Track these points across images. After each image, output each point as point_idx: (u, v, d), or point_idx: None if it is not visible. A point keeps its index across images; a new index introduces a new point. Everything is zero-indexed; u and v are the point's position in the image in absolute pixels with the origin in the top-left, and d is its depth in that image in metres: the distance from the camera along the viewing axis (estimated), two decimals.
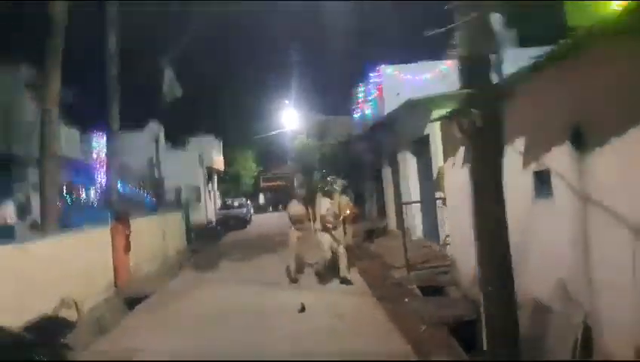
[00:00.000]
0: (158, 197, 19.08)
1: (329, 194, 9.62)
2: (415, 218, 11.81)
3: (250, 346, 5.90)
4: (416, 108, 10.63)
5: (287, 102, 33.05)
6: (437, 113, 8.77)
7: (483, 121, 3.30)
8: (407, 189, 12.43)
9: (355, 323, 6.54)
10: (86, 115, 16.45)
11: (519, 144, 5.65)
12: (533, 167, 5.36)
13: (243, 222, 23.24)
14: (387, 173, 15.15)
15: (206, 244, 17.09)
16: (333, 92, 29.53)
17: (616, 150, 3.89)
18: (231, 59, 23.92)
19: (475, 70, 3.36)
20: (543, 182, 5.23)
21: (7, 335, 4.12)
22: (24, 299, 5.16)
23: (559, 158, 4.77)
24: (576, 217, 4.54)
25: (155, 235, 12.97)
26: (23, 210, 10.58)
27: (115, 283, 9.67)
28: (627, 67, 3.70)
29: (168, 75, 16.03)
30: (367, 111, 17.29)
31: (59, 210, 9.06)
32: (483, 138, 3.38)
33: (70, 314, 6.42)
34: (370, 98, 16.76)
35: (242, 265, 12.33)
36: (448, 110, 6.87)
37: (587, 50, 4.05)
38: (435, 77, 14.12)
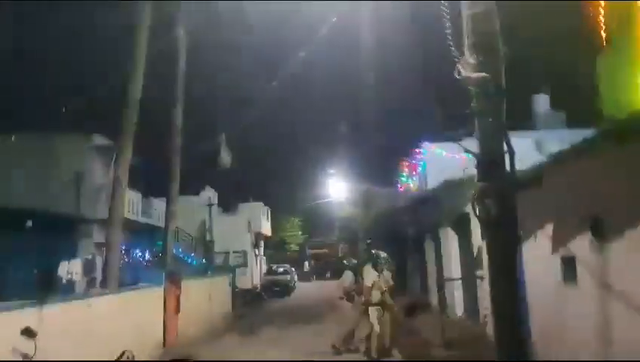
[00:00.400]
0: (208, 260, 19.88)
1: (375, 267, 9.49)
2: (455, 295, 11.86)
3: None
4: (456, 187, 11.04)
5: (332, 171, 34.02)
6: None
7: (497, 211, 3.76)
8: (448, 265, 12.55)
9: None
10: (148, 180, 17.84)
11: (547, 228, 5.97)
12: (560, 251, 5.64)
13: (287, 288, 23.37)
14: (429, 247, 15.32)
15: (250, 310, 17.46)
16: (378, 163, 30.17)
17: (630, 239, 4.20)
18: (282, 131, 25.36)
19: (490, 164, 3.87)
20: (568, 266, 5.49)
21: None
22: (88, 348, 5.73)
23: (579, 245, 5.07)
24: (587, 300, 4.77)
25: (202, 298, 13.57)
26: (89, 268, 11.52)
27: (164, 342, 10.21)
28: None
29: (223, 145, 17.25)
30: (411, 185, 17.77)
31: (119, 269, 9.87)
32: (497, 226, 3.81)
33: None
34: (413, 173, 17.29)
35: (282, 334, 12.44)
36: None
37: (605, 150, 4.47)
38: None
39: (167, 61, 13.79)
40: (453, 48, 4.10)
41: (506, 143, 3.88)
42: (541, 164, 5.77)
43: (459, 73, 3.95)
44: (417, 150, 17.28)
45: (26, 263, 12.49)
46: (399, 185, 20.12)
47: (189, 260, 19.95)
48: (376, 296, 9.05)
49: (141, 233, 18.63)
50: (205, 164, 20.24)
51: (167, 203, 13.30)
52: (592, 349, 4.89)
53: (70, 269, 10.81)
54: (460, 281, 11.84)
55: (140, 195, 18.37)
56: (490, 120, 3.86)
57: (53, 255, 13.74)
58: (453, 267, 12.25)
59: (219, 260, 21.51)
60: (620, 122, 4.75)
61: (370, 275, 9.43)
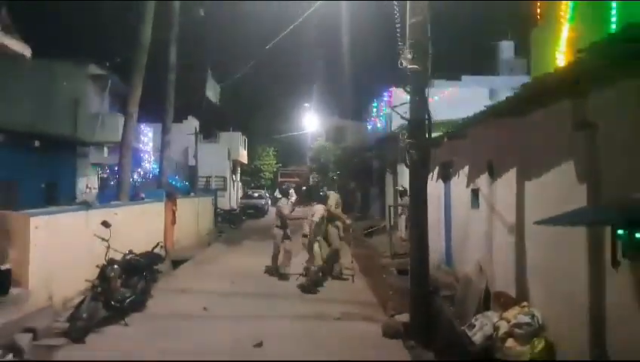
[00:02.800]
0: (192, 184, 21.89)
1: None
2: (403, 218, 14.31)
3: (261, 291, 8.68)
4: None
5: (307, 105, 35.76)
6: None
7: (417, 158, 5.89)
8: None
9: (343, 287, 9.21)
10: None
11: (465, 169, 8.21)
12: (471, 185, 7.91)
13: (261, 211, 26.03)
14: (389, 180, 17.71)
15: (229, 228, 19.87)
16: (352, 98, 31.92)
17: (507, 179, 6.43)
18: (259, 64, 26.44)
19: (415, 126, 5.95)
20: (475, 196, 7.79)
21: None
22: (121, 243, 7.68)
23: (482, 181, 7.32)
24: (488, 219, 7.09)
25: (191, 215, 15.74)
26: (104, 184, 13.32)
27: (165, 247, 12.44)
28: (515, 130, 6.22)
29: (210, 79, 18.67)
30: (379, 125, 19.85)
31: (129, 185, 11.82)
32: (415, 169, 5.97)
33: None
34: (381, 114, 19.31)
35: (256, 245, 14.93)
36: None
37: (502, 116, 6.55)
38: (443, 98, 16.55)
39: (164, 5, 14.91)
40: (400, 44, 6.06)
41: (427, 114, 5.97)
42: (465, 121, 7.88)
43: (401, 63, 5.92)
44: (386, 93, 19.20)
45: (35, 178, 14.17)
46: (368, 124, 22.15)
47: (174, 182, 21.90)
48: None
49: (134, 157, 20.37)
50: (191, 96, 21.69)
51: (163, 133, 15.01)
52: (483, 246, 7.28)
53: (90, 184, 12.65)
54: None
55: None
56: (417, 98, 5.90)
57: (56, 172, 15.50)
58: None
59: (200, 184, 23.54)
60: (521, 92, 6.81)
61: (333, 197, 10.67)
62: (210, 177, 24.47)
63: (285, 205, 10.44)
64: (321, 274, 9.49)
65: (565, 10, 8.68)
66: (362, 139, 25.10)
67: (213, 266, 11.50)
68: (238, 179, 30.91)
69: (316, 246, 9.44)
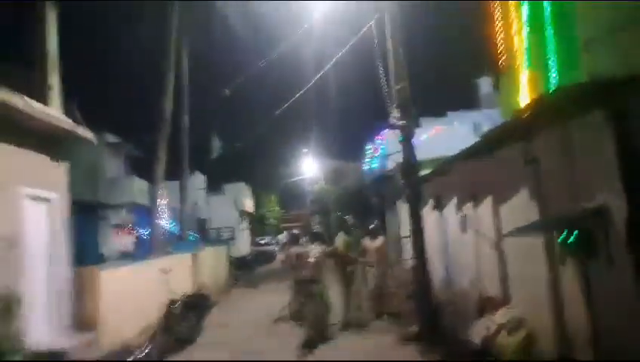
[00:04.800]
0: (202, 235, 23.21)
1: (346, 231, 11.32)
2: (407, 248, 15.59)
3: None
4: None
5: (306, 150, 37.50)
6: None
7: (411, 196, 7.35)
8: (403, 227, 16.32)
9: None
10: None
11: (454, 199, 9.65)
12: (460, 212, 9.32)
13: (271, 257, 27.29)
14: (389, 215, 19.10)
15: (244, 274, 21.10)
16: (346, 144, 33.83)
17: (485, 205, 7.85)
18: (261, 117, 28.28)
19: (406, 170, 7.44)
20: (464, 222, 9.18)
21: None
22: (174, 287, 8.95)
23: (468, 208, 8.75)
24: (475, 240, 8.47)
25: (211, 263, 17.01)
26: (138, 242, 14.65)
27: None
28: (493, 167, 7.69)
29: (214, 138, 20.40)
30: (374, 165, 21.39)
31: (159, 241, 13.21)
32: (411, 204, 7.42)
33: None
34: (376, 155, 20.91)
35: (272, 286, 16.13)
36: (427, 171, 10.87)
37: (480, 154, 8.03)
38: (432, 137, 18.17)
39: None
40: (388, 103, 7.64)
41: (413, 159, 7.46)
42: (449, 159, 9.37)
43: (390, 121, 7.48)
44: (379, 136, 20.85)
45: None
46: (364, 165, 23.69)
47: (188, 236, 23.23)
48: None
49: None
50: (196, 152, 23.35)
51: (181, 192, 16.50)
52: (473, 263, 8.61)
53: (124, 242, 14.02)
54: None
55: (145, 182, 21.46)
56: (407, 147, 7.42)
57: (83, 233, 16.86)
58: (405, 228, 16.04)
59: (212, 235, 24.85)
60: (486, 137, 8.31)
61: (340, 239, 10.90)
62: (220, 228, 25.86)
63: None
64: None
65: (521, 59, 10.33)
66: (360, 179, 26.58)
67: (240, 304, 12.78)
68: (245, 227, 32.25)
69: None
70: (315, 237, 9.84)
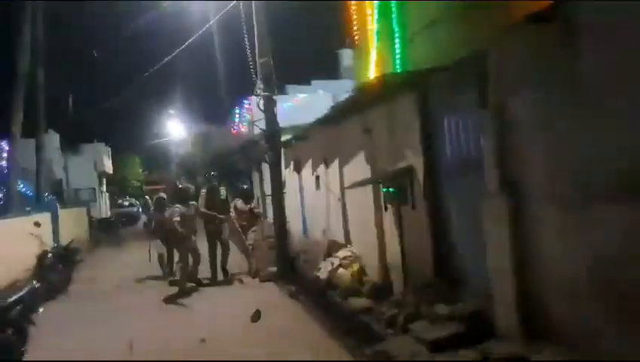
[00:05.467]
0: (59, 196, 22.09)
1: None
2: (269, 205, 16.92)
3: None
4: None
5: (172, 112, 36.76)
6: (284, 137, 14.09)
7: (272, 159, 8.49)
8: (267, 187, 17.61)
9: None
10: None
11: (310, 162, 11.05)
12: (315, 173, 10.77)
13: (135, 219, 26.86)
14: (255, 177, 20.26)
15: (108, 235, 20.78)
16: (214, 108, 33.82)
17: (333, 167, 9.32)
18: (124, 75, 27.14)
19: (269, 136, 8.55)
20: (317, 181, 10.66)
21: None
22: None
23: (321, 169, 10.21)
24: (326, 196, 9.98)
25: (72, 223, 16.64)
26: None
27: None
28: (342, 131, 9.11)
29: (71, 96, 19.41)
30: (242, 130, 22.22)
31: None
32: (273, 167, 8.58)
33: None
34: (243, 121, 21.74)
35: (135, 246, 16.42)
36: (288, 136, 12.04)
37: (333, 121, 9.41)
38: (296, 105, 19.44)
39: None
40: (254, 78, 8.60)
41: (275, 126, 8.60)
42: (306, 127, 10.68)
43: (255, 92, 8.47)
44: (245, 102, 21.65)
45: None
46: (232, 129, 24.36)
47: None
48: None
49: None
50: (52, 110, 21.90)
51: (37, 149, 15.69)
52: (324, 216, 10.13)
53: None
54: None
55: None
56: (269, 116, 8.50)
57: None
58: (269, 188, 17.33)
59: (70, 196, 23.72)
60: (335, 108, 9.71)
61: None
62: (79, 189, 24.70)
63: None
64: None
65: (371, 38, 11.93)
66: (227, 143, 27.21)
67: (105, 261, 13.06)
68: (105, 189, 31.02)
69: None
70: (181, 197, 9.66)
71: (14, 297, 5.06)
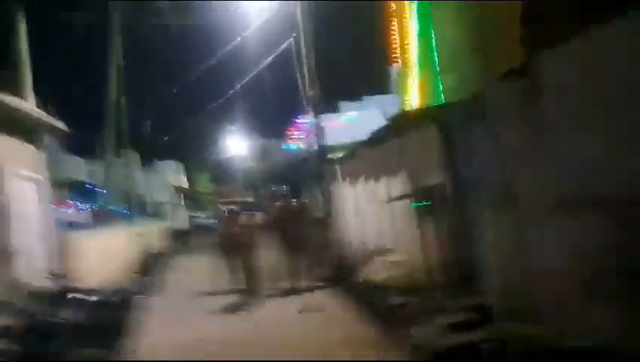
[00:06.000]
0: (141, 210, 24.70)
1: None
2: None
3: None
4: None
5: (232, 128, 39.36)
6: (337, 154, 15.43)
7: (323, 173, 9.89)
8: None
9: None
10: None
11: (363, 176, 12.33)
12: (365, 187, 12.02)
13: (209, 230, 29.17)
14: (314, 190, 21.82)
15: (185, 244, 23.00)
16: (272, 124, 36.14)
17: (381, 182, 10.55)
18: (192, 100, 29.62)
19: (322, 154, 9.96)
20: (369, 193, 11.89)
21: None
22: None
23: (371, 184, 11.45)
24: (374, 208, 11.22)
25: (157, 235, 18.86)
26: None
27: None
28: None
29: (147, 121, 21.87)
30: (300, 145, 23.94)
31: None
32: (324, 179, 9.97)
33: None
34: (300, 137, 23.46)
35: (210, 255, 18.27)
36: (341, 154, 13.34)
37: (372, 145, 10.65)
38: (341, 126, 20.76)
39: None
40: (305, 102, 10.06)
41: (323, 148, 9.98)
42: (353, 148, 11.96)
43: (305, 117, 9.90)
44: (299, 123, 23.38)
45: None
46: (289, 145, 26.21)
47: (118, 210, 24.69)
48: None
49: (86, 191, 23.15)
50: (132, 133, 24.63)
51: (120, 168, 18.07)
52: (375, 225, 11.34)
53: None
54: None
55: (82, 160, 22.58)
56: (319, 139, 9.92)
57: None
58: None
59: (151, 209, 26.38)
60: (375, 133, 10.88)
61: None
62: (157, 203, 27.36)
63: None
64: None
65: (411, 66, 12.92)
66: (284, 158, 29.09)
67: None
68: (182, 203, 33.76)
69: None
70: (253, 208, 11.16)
71: (127, 286, 6.75)
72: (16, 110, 8.12)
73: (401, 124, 8.04)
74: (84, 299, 6.39)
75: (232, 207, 13.85)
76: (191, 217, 31.24)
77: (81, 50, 16.01)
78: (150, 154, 28.58)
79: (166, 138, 28.48)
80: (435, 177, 7.44)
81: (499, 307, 5.39)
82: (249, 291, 9.57)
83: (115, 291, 7.41)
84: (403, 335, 6.09)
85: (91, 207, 23.08)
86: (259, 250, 10.15)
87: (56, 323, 5.44)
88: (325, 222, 10.97)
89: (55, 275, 6.70)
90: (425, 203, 7.78)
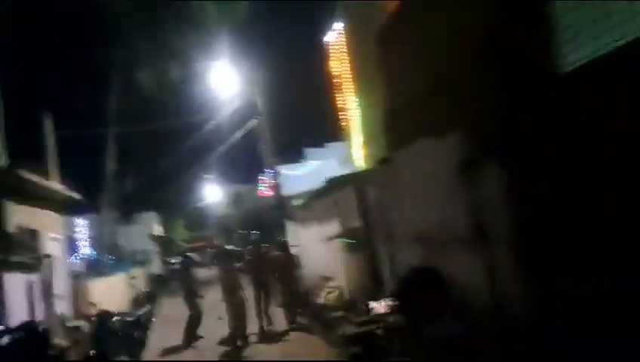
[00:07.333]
0: (121, 259, 27.11)
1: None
2: None
3: None
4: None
5: (208, 176, 42.16)
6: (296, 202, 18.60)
7: (283, 219, 12.93)
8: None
9: None
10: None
11: (313, 220, 15.42)
12: (314, 228, 15.08)
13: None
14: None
15: (163, 287, 25.46)
16: (244, 171, 39.19)
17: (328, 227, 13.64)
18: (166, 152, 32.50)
19: (277, 203, 13.04)
20: (316, 234, 14.95)
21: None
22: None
23: (316, 226, 14.55)
24: (320, 247, 14.27)
25: (137, 279, 21.35)
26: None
27: None
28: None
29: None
30: (270, 193, 26.98)
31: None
32: (284, 225, 12.99)
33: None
34: (269, 185, 26.53)
35: None
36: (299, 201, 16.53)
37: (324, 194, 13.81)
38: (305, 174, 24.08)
39: None
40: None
41: (281, 199, 13.08)
42: (306, 197, 15.10)
43: (268, 175, 13.02)
44: (270, 169, 26.48)
45: None
46: (260, 191, 29.20)
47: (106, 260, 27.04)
48: None
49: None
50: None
51: (100, 223, 20.73)
52: (324, 260, 14.38)
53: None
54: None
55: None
56: (277, 193, 13.03)
57: None
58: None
59: (128, 258, 28.72)
60: (316, 191, 14.08)
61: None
62: (135, 252, 29.82)
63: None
64: None
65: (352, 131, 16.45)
66: (256, 203, 32.04)
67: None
68: (157, 250, 36.11)
69: None
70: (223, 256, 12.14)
71: (140, 312, 9.57)
72: (47, 189, 11.01)
73: (332, 185, 11.24)
74: (124, 319, 9.27)
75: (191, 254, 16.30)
76: (165, 263, 33.65)
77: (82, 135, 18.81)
78: (132, 209, 31.14)
79: (144, 192, 31.16)
80: (355, 222, 10.62)
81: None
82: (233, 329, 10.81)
83: (135, 314, 10.27)
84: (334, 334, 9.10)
85: (82, 258, 25.45)
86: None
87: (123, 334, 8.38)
88: (292, 260, 12.54)
89: (93, 305, 9.42)
90: (350, 241, 10.92)
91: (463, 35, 5.83)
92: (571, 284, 4.47)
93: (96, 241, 21.54)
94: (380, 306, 8.21)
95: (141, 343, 9.93)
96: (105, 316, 9.14)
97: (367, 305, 8.63)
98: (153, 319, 10.60)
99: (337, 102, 17.87)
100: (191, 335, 10.91)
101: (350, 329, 8.80)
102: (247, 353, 9.78)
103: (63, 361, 7.50)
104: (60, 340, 8.36)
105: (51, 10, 17.19)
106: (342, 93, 15.87)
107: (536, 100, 4.83)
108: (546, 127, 4.66)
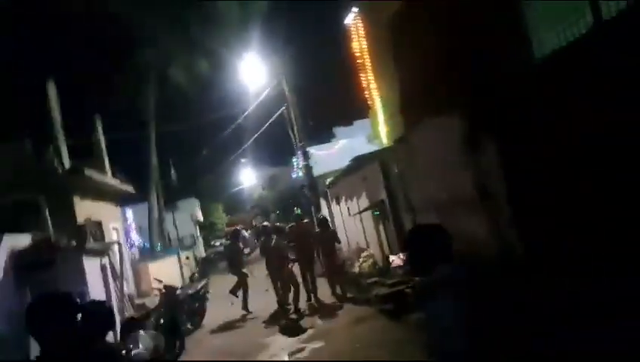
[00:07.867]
0: (165, 244, 29.01)
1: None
2: None
3: None
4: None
5: (244, 160, 43.69)
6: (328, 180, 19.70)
7: (315, 198, 14.03)
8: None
9: None
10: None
11: (343, 197, 16.46)
12: (346, 204, 16.13)
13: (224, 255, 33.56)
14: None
15: (210, 268, 27.19)
16: (278, 153, 40.54)
17: (355, 200, 14.69)
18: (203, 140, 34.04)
19: (310, 185, 14.13)
20: (348, 209, 16.02)
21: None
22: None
23: (348, 202, 15.61)
24: (352, 220, 15.34)
25: (185, 261, 23.06)
26: None
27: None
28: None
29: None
30: (300, 174, 28.12)
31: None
32: (316, 203, 14.11)
33: None
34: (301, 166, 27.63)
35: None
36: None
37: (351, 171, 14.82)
38: (334, 152, 25.09)
39: None
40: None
41: (312, 179, 14.16)
42: (336, 175, 16.14)
43: (298, 165, 14.11)
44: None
45: None
46: (292, 173, 30.39)
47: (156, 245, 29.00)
48: None
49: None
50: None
51: (150, 211, 22.42)
52: (354, 232, 15.47)
53: None
54: None
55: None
56: (308, 173, 14.10)
57: None
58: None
59: (175, 243, 30.65)
60: (347, 166, 15.02)
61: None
62: (182, 237, 31.76)
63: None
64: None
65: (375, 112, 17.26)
66: (290, 184, 33.33)
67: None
68: (199, 234, 38.17)
69: None
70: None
71: (198, 287, 10.93)
72: (106, 184, 12.43)
73: (360, 162, 12.21)
74: (186, 292, 10.70)
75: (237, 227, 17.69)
76: (209, 246, 35.60)
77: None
78: (175, 197, 33.05)
79: (185, 180, 32.94)
80: (379, 196, 11.61)
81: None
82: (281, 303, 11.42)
83: (195, 288, 11.69)
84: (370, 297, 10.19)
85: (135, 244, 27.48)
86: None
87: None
88: (332, 235, 12.60)
89: (159, 281, 10.80)
90: (376, 212, 11.92)
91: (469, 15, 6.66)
92: (560, 233, 5.39)
93: (147, 229, 23.37)
94: (398, 259, 9.22)
95: (201, 313, 11.36)
96: (172, 289, 10.50)
97: (387, 258, 9.65)
98: (210, 292, 11.98)
99: (361, 81, 18.77)
100: (245, 303, 12.11)
101: (383, 290, 9.87)
102: (301, 324, 10.29)
103: (136, 330, 8.81)
104: (131, 314, 9.77)
105: (91, 22, 18.61)
106: (365, 72, 16.69)
107: (526, 82, 5.70)
108: (535, 106, 5.54)
